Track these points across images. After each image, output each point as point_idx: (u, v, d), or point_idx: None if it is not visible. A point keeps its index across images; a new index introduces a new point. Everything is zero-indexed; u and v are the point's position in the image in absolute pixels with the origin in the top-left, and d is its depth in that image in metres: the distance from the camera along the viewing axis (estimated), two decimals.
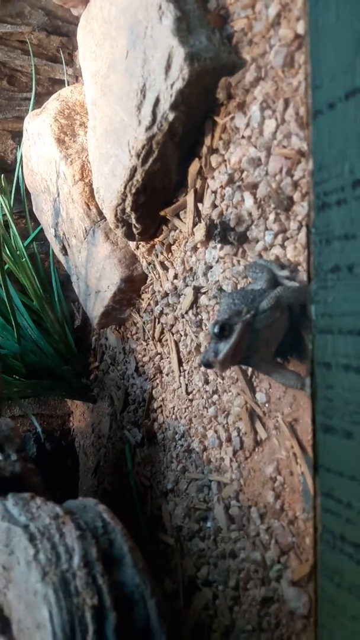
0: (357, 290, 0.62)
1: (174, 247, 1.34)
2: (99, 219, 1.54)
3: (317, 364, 0.71)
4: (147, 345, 1.54)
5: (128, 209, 1.27)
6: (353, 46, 0.61)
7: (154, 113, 1.10)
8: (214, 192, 1.14)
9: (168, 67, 1.05)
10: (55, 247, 1.81)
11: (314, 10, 0.67)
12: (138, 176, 1.19)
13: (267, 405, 1.05)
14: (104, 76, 1.33)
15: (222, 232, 1.06)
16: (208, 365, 0.87)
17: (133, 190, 1.22)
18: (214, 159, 1.13)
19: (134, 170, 1.19)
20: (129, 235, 1.38)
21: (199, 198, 1.20)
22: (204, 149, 1.15)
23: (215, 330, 0.84)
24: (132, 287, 1.50)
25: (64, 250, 1.74)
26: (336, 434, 0.66)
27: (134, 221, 1.31)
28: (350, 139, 0.62)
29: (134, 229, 1.34)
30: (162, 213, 1.29)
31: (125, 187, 1.22)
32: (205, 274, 1.20)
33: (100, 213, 1.53)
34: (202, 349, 1.26)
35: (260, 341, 0.88)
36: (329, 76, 0.65)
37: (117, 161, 1.24)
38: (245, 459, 1.10)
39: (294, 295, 0.88)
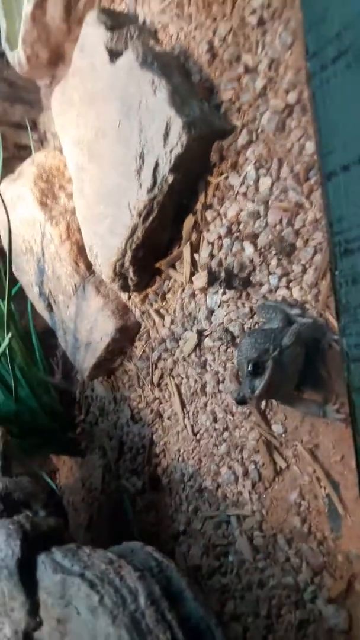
0: None
1: (168, 295, 1.42)
2: (88, 275, 1.61)
3: (354, 390, 0.81)
4: (142, 391, 1.59)
5: (127, 264, 1.35)
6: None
7: (154, 176, 1.21)
8: (211, 244, 1.25)
9: (166, 134, 1.17)
10: (38, 304, 1.85)
11: (320, 93, 0.81)
12: (139, 233, 1.28)
13: (283, 435, 1.13)
14: (91, 142, 1.43)
15: (227, 278, 1.16)
16: (243, 401, 0.94)
17: (133, 247, 1.31)
18: (209, 214, 1.25)
19: (134, 229, 1.28)
20: (124, 287, 1.46)
21: (194, 249, 1.30)
22: (199, 206, 1.26)
23: (250, 368, 0.92)
24: (125, 336, 1.56)
25: (49, 307, 1.78)
26: None
27: (131, 274, 1.39)
28: None
29: (129, 282, 1.42)
30: (157, 265, 1.38)
31: (125, 244, 1.31)
32: (207, 318, 1.29)
33: (89, 269, 1.60)
34: (207, 389, 1.33)
35: (286, 375, 0.97)
36: (340, 144, 0.78)
37: (115, 221, 1.33)
38: (265, 490, 1.17)
39: (309, 331, 0.98)
